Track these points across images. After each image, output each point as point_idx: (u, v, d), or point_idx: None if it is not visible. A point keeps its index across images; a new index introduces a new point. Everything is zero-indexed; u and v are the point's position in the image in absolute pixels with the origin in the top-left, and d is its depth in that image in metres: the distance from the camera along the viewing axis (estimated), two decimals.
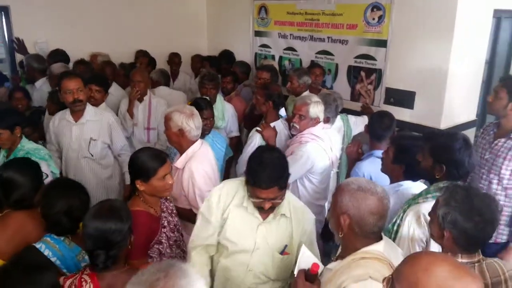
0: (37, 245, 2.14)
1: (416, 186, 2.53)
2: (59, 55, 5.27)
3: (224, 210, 2.25)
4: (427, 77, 4.27)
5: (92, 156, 3.71)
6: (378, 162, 2.71)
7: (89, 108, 3.69)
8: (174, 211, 2.60)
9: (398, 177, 2.58)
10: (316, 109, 3.31)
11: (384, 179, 2.61)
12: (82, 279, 1.81)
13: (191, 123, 2.85)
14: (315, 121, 3.31)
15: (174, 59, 6.26)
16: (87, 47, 5.82)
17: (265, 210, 2.13)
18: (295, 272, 1.84)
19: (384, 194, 1.76)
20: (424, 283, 1.19)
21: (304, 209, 2.35)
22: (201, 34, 7.17)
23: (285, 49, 5.90)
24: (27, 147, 3.17)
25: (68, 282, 1.83)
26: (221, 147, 3.56)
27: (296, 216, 2.27)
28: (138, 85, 4.35)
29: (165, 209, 2.50)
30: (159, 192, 2.38)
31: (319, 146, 3.22)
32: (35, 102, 4.84)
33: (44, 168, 2.82)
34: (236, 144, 4.52)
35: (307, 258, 1.85)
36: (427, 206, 2.11)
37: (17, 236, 2.26)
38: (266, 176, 2.03)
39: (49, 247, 2.13)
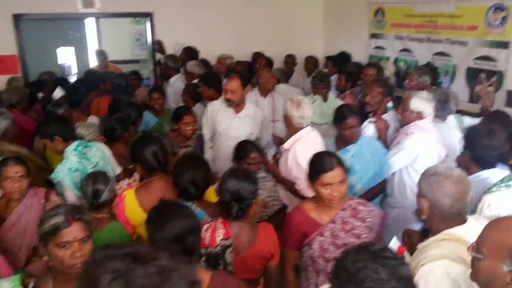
0: None
1: (495, 175, 2.57)
2: (191, 51, 6.12)
3: None
4: None
5: None
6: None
7: (248, 104, 4.12)
8: (356, 231, 2.43)
9: (466, 165, 2.63)
10: (419, 103, 3.39)
11: None
12: (217, 226, 2.25)
13: (295, 111, 3.29)
14: (417, 115, 3.40)
15: (288, 60, 6.68)
16: (214, 49, 6.47)
17: None
18: None
19: (461, 178, 1.91)
20: (507, 240, 1.33)
21: None
22: (316, 36, 7.48)
23: (400, 51, 5.94)
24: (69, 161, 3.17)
25: (205, 226, 2.28)
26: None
27: None
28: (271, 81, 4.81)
29: (338, 221, 2.43)
30: (322, 200, 2.41)
31: (425, 138, 3.31)
32: (169, 96, 5.55)
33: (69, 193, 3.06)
34: None
35: (395, 245, 2.07)
36: (497, 195, 2.27)
37: (157, 198, 2.75)
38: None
39: None
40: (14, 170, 2.69)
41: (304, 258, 2.51)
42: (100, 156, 3.33)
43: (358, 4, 6.56)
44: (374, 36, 6.42)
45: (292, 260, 2.55)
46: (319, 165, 2.38)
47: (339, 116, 3.33)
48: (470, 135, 2.76)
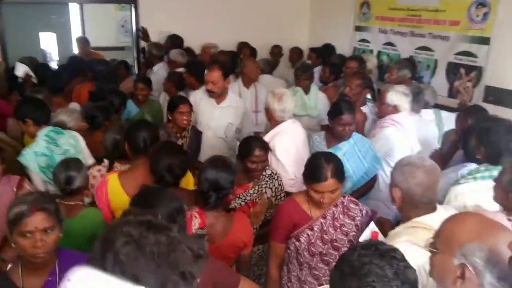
0: None
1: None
2: (176, 39, 6.09)
3: None
4: None
5: (226, 137, 4.03)
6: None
7: (230, 94, 4.08)
8: (345, 228, 2.46)
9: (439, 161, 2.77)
10: (395, 96, 3.44)
11: None
12: (192, 215, 2.27)
13: (276, 105, 3.30)
14: (393, 108, 3.45)
15: (275, 50, 6.69)
16: (200, 38, 6.45)
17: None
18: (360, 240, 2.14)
19: (432, 168, 1.99)
20: (457, 234, 1.36)
21: None
22: (302, 28, 7.48)
23: (384, 44, 5.99)
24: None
25: None
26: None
27: None
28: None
29: (328, 216, 2.45)
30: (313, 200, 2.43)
31: (399, 132, 3.36)
32: (152, 83, 5.52)
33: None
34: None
35: (370, 230, 2.14)
36: (464, 187, 2.42)
37: (141, 184, 2.74)
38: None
39: None
40: None
41: (289, 250, 2.51)
42: (72, 144, 3.30)
43: None
44: (359, 28, 6.45)
45: (278, 254, 2.53)
46: (312, 172, 2.36)
47: (335, 111, 3.26)
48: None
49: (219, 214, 2.35)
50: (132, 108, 4.69)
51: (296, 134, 3.40)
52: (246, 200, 2.86)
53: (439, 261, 1.42)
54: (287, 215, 2.46)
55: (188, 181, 2.89)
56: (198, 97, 4.05)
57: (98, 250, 1.11)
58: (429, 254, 1.47)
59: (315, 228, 2.43)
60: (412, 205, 1.98)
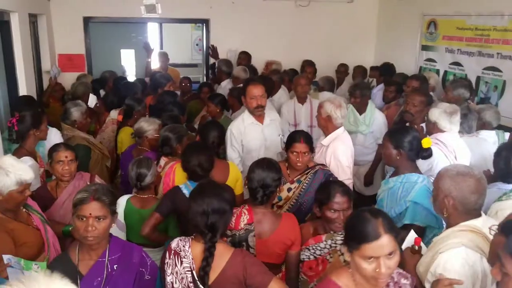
0: (180, 186, 2.90)
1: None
2: (245, 55, 6.54)
3: None
4: None
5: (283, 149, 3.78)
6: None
7: (266, 110, 3.90)
8: None
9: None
10: (434, 113, 3.43)
11: None
12: (242, 212, 2.50)
13: (338, 112, 3.45)
14: (433, 125, 3.45)
15: (341, 68, 6.82)
16: (265, 55, 6.77)
17: None
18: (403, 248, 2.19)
19: (481, 176, 2.05)
20: None
21: None
22: (368, 47, 7.57)
23: (451, 64, 5.90)
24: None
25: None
26: None
27: None
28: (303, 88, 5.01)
29: None
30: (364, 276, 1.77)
31: (441, 151, 3.32)
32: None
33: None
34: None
35: (412, 237, 2.19)
36: (504, 204, 2.45)
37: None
38: None
39: (187, 188, 2.83)
40: (64, 155, 3.02)
41: None
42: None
43: (412, 15, 6.59)
44: (425, 48, 6.41)
45: None
46: (359, 230, 1.71)
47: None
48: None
49: (267, 211, 2.55)
50: None
51: (348, 140, 3.59)
52: (315, 254, 2.44)
53: (496, 241, 1.61)
54: None
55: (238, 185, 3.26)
56: (242, 127, 3.83)
57: None
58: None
59: None
60: (463, 212, 2.05)
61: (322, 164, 3.32)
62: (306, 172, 3.19)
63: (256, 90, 3.70)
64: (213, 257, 2.03)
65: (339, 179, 3.25)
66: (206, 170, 2.90)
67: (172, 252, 2.12)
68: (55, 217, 2.96)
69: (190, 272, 2.05)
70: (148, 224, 2.76)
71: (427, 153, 2.90)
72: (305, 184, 3.15)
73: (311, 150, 3.21)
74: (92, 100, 5.09)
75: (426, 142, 2.85)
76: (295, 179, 3.18)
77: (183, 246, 2.10)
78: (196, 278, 2.03)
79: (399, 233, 1.75)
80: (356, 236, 1.70)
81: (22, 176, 2.38)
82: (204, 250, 2.05)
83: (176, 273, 2.08)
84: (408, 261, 2.13)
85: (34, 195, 2.86)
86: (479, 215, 2.05)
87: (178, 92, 5.86)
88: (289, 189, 3.15)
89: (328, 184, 2.65)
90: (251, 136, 3.80)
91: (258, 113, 3.78)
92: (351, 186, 3.46)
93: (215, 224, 2.06)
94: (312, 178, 3.15)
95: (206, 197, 2.11)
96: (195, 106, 5.60)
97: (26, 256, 2.34)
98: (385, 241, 1.66)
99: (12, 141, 3.46)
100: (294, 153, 3.12)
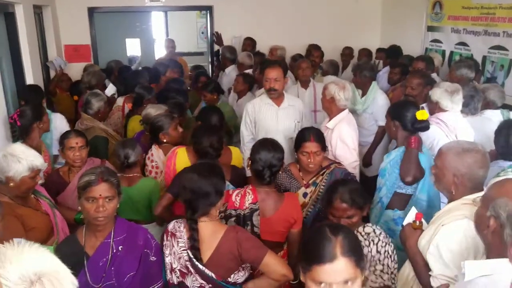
0: None
1: None
2: (250, 41, 6.55)
3: None
4: None
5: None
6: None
7: (287, 94, 3.99)
8: None
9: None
10: (437, 93, 3.40)
11: None
12: (246, 192, 2.55)
13: (341, 93, 3.46)
14: (436, 105, 3.42)
15: (346, 51, 6.78)
16: (270, 40, 6.74)
17: None
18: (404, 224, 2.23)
19: (484, 149, 2.09)
20: (494, 192, 1.64)
21: None
22: (373, 29, 7.50)
23: (457, 44, 5.85)
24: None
25: (236, 192, 2.58)
26: None
27: None
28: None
29: None
30: None
31: (441, 130, 3.31)
32: (224, 85, 5.85)
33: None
34: (382, 133, 4.64)
35: (413, 213, 2.22)
36: None
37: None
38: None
39: None
40: (75, 141, 3.11)
41: None
42: None
43: None
44: (431, 29, 6.36)
45: None
46: (312, 248, 1.47)
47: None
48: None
49: (271, 190, 2.59)
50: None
51: (353, 122, 3.61)
52: None
53: (478, 212, 1.73)
54: None
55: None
56: (257, 106, 3.92)
57: None
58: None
59: None
60: (471, 188, 2.07)
61: (338, 162, 3.11)
62: (322, 172, 2.92)
63: (272, 73, 3.74)
64: (196, 233, 2.08)
65: (347, 162, 3.30)
66: (217, 149, 2.98)
67: (169, 233, 2.20)
68: (67, 201, 3.05)
69: (185, 251, 2.13)
70: (160, 204, 2.84)
71: (422, 125, 2.90)
72: (322, 187, 2.87)
73: (323, 149, 2.92)
74: (110, 90, 5.15)
75: (420, 114, 2.86)
76: (310, 182, 2.94)
77: (178, 227, 2.19)
78: (191, 256, 2.10)
79: (362, 258, 1.46)
80: (308, 255, 1.45)
81: (34, 162, 2.47)
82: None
83: (174, 253, 2.17)
84: (409, 237, 2.15)
85: (46, 180, 2.92)
86: (483, 189, 2.06)
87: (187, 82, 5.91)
88: (304, 194, 2.92)
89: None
90: (263, 115, 3.88)
91: (271, 95, 3.82)
92: (357, 168, 3.52)
93: (192, 203, 2.11)
94: (328, 178, 2.88)
95: (190, 175, 2.17)
96: (194, 97, 5.57)
97: (36, 240, 2.35)
98: (339, 266, 1.39)
99: (15, 137, 3.39)
100: (305, 154, 2.85)
